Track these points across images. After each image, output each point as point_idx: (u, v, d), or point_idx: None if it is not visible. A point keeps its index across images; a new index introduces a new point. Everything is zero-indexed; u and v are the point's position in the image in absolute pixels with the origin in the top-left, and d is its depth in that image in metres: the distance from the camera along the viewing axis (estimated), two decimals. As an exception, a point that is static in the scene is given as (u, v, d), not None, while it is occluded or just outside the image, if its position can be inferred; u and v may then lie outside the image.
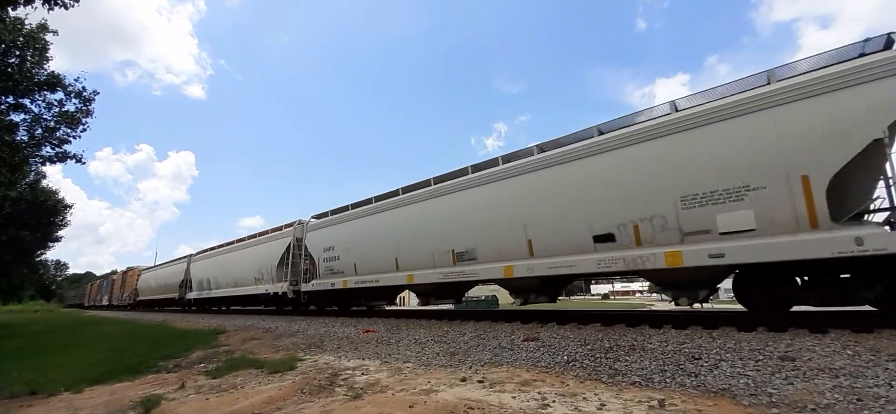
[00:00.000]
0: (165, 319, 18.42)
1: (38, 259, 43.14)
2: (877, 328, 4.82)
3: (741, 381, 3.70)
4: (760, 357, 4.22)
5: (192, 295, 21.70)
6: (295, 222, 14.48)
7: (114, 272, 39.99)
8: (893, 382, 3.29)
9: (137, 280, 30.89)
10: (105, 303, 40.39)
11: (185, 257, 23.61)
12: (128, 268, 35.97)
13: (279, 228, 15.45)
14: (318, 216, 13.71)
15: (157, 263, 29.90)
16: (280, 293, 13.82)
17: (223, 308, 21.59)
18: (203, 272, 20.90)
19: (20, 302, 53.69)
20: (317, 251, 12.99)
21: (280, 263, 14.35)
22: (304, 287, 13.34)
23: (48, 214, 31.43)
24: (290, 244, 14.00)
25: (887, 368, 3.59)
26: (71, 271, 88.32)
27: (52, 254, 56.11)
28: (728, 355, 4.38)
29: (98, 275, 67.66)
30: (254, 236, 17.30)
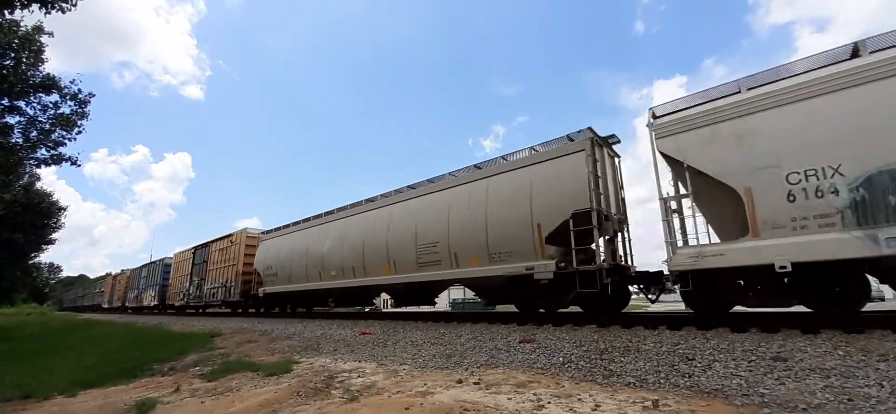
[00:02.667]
0: (160, 322, 18.29)
1: (31, 262, 42.79)
2: (867, 329, 4.89)
3: (734, 381, 3.74)
4: (753, 358, 4.26)
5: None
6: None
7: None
8: (884, 382, 3.33)
9: (245, 257, 16.23)
10: (150, 304, 25.31)
11: (526, 150, 8.64)
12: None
13: None
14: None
15: (332, 210, 13.11)
16: None
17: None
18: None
19: (12, 305, 53.18)
20: None
21: None
22: None
23: (42, 217, 31.16)
24: None
25: (878, 369, 3.63)
26: (64, 274, 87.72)
27: (45, 256, 55.48)
28: (721, 356, 4.42)
29: (92, 277, 66.53)
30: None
